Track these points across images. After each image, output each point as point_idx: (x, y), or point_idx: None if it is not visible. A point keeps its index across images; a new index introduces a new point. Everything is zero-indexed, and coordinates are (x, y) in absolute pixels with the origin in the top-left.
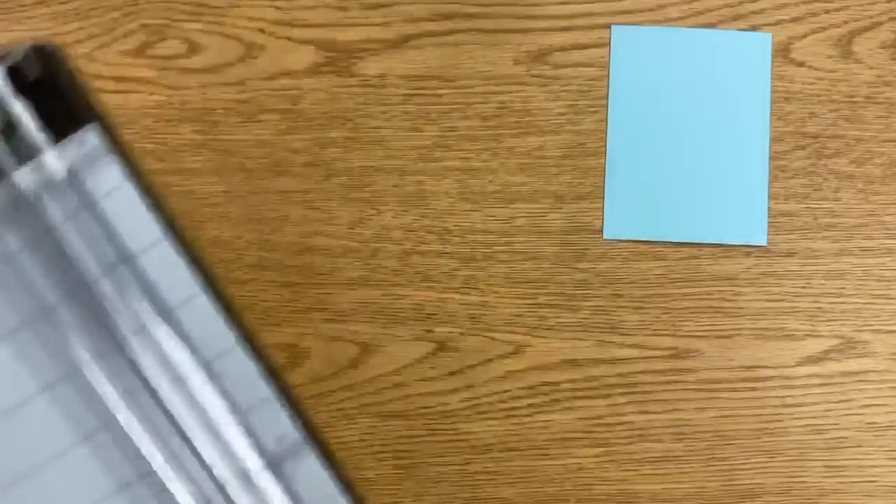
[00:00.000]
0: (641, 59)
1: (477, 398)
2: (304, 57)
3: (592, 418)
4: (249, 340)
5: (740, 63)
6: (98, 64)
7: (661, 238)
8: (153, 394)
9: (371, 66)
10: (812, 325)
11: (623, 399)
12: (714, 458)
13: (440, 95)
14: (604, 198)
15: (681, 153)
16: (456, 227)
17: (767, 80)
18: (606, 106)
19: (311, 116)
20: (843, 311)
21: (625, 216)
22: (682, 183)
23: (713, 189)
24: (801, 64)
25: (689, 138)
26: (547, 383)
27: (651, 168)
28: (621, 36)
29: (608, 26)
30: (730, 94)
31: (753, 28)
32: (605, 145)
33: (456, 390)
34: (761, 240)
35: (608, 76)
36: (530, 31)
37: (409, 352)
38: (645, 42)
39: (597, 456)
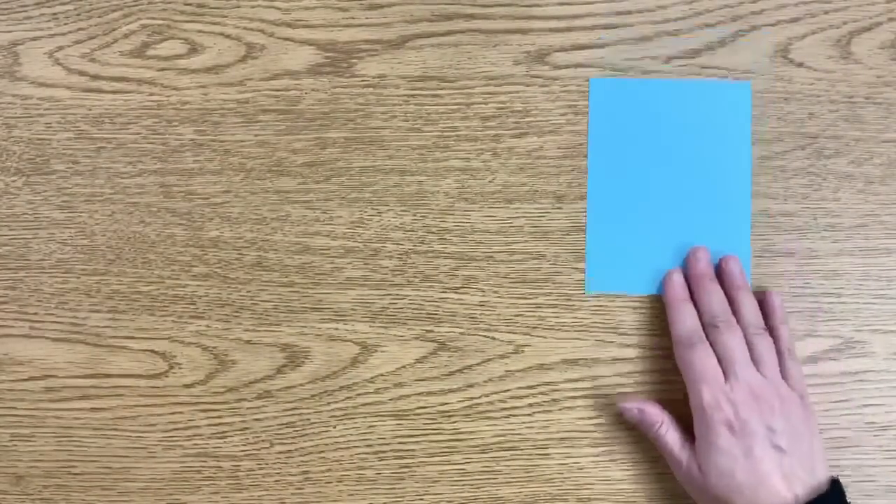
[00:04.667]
0: (620, 111)
1: (477, 398)
2: (304, 57)
3: (592, 418)
4: None
5: (720, 112)
6: (98, 64)
7: (646, 293)
8: None
9: (371, 66)
10: (811, 324)
11: (622, 399)
12: None
13: (440, 95)
14: (585, 253)
15: (662, 205)
16: (456, 227)
17: (748, 128)
18: None
19: (311, 116)
20: (842, 311)
21: (607, 271)
22: (665, 236)
23: (696, 241)
24: (800, 64)
25: (670, 190)
26: (547, 383)
27: (633, 222)
28: (599, 88)
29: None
30: (711, 144)
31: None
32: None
33: (456, 390)
34: None
35: (588, 125)
36: (530, 32)
37: (409, 352)
38: (623, 93)
39: (597, 456)
